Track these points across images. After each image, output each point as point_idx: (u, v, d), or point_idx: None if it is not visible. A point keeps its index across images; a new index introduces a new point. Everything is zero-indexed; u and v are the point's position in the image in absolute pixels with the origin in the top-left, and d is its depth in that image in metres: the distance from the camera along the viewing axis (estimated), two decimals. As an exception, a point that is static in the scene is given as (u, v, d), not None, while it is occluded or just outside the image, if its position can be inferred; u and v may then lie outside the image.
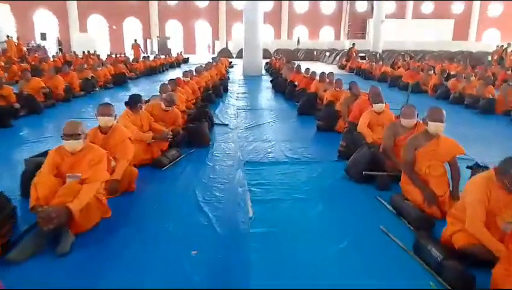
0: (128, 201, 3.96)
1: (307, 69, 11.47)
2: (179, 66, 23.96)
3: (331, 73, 9.72)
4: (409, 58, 24.10)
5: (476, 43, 45.51)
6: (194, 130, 6.03)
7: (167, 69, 20.92)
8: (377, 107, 5.57)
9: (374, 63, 19.27)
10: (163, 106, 5.86)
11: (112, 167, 4.10)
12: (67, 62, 18.04)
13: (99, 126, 4.22)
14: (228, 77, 16.65)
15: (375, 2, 30.72)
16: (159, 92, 6.64)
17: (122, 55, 23.24)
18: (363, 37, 46.24)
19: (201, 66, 12.31)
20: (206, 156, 5.59)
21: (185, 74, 9.46)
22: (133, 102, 5.13)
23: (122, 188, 4.07)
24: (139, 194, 4.14)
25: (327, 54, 30.18)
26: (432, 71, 14.35)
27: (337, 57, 28.56)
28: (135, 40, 27.52)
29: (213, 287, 2.59)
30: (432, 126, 3.79)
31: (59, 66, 16.10)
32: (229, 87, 13.48)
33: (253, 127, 7.49)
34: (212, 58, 17.09)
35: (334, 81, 8.94)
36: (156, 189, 4.30)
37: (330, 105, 8.07)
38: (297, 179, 4.68)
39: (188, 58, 28.97)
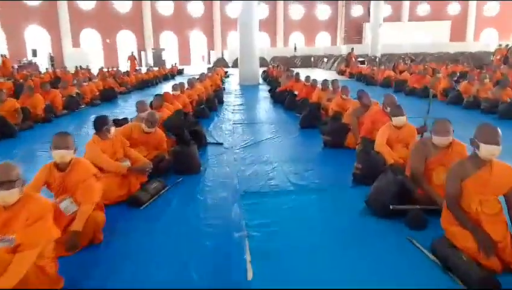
0: (92, 259, 3.04)
1: (307, 77, 10.59)
2: (173, 78, 23.12)
3: (335, 80, 8.84)
4: (409, 61, 23.31)
5: (474, 43, 44.86)
6: (182, 155, 5.12)
7: (161, 82, 20.08)
8: (398, 121, 4.68)
9: (375, 68, 18.44)
10: (144, 127, 4.96)
11: (73, 212, 3.21)
12: (57, 78, 17.21)
13: (54, 162, 3.32)
14: (223, 87, 15.78)
15: (372, 5, 30.00)
16: (136, 111, 5.75)
17: (114, 69, 22.43)
18: (360, 42, 45.55)
19: (193, 77, 11.44)
20: (196, 186, 4.67)
21: (175, 87, 8.59)
22: (97, 126, 4.23)
23: (84, 241, 3.16)
24: (106, 248, 3.22)
25: (325, 59, 29.42)
26: (440, 74, 13.44)
27: (335, 63, 27.78)
28: (132, 53, 26.74)
29: None
30: (485, 150, 2.87)
31: (46, 83, 15.31)
32: (224, 99, 12.62)
33: (251, 146, 6.58)
34: (208, 69, 16.23)
35: (340, 88, 8.06)
36: (130, 239, 3.38)
37: (337, 117, 7.19)
38: (307, 215, 3.77)
39: (182, 69, 28.16)
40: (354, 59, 22.11)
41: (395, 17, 47.53)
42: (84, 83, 12.56)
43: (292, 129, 7.89)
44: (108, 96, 12.95)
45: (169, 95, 7.89)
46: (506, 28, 47.65)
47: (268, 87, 16.07)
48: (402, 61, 22.09)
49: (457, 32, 47.63)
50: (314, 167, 5.30)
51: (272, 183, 4.68)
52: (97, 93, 12.65)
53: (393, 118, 4.70)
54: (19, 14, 33.51)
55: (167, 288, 2.62)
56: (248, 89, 15.91)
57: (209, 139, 6.89)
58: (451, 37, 46.95)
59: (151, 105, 6.76)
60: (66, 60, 32.43)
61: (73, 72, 22.19)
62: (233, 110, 10.55)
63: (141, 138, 5.04)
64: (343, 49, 39.20)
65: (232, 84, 18.83)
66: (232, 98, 13.07)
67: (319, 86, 9.61)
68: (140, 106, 5.76)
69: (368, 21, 46.21)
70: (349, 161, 4.98)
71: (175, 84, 8.70)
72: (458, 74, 13.86)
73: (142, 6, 39.75)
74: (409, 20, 48.38)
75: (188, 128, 6.48)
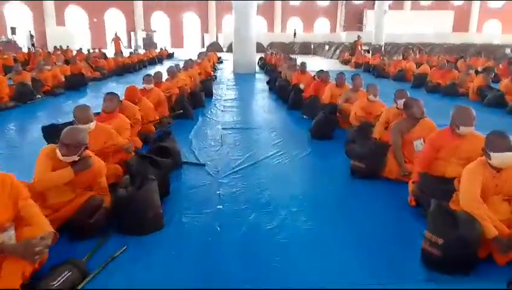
0: None
1: (320, 72, 8.44)
2: (161, 62, 20.79)
3: (357, 76, 6.74)
4: (418, 52, 21.21)
5: (477, 34, 42.82)
6: (131, 203, 3.02)
7: (145, 66, 17.77)
8: (499, 159, 2.66)
9: (386, 58, 16.31)
10: (59, 155, 2.86)
11: None
12: (24, 61, 14.90)
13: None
14: (215, 76, 13.59)
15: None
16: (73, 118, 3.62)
17: (97, 51, 20.07)
18: (360, 29, 43.18)
19: (176, 65, 9.27)
20: (146, 265, 2.60)
21: (146, 78, 6.44)
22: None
23: None
24: None
25: (326, 47, 27.17)
26: (472, 71, 11.32)
27: (337, 51, 25.58)
28: (115, 33, 24.28)
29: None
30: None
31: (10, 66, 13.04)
32: (214, 90, 10.47)
33: (245, 170, 4.47)
34: (199, 54, 13.99)
35: (363, 85, 5.97)
36: None
37: (365, 127, 5.13)
38: None
39: (172, 53, 25.76)
40: (360, 48, 19.92)
41: (397, 6, 45.07)
42: (47, 67, 10.29)
43: (300, 140, 5.79)
44: (76, 84, 10.71)
45: (135, 91, 5.74)
46: (511, 20, 45.66)
47: (266, 77, 13.95)
48: (411, 52, 19.97)
49: (460, 22, 45.49)
50: (344, 223, 3.23)
51: (282, 268, 2.60)
52: (62, 79, 10.40)
53: (492, 155, 2.68)
54: (-2, -12, 30.74)
55: None
56: (243, 79, 13.73)
57: (187, 158, 4.79)
58: (454, 28, 44.82)
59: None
60: (48, 39, 29.80)
61: (51, 52, 19.91)
62: (224, 107, 8.40)
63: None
64: (343, 36, 36.95)
65: (225, 71, 16.60)
66: (224, 90, 10.91)
67: (333, 81, 7.54)
68: (79, 113, 3.62)
69: (369, 8, 44.12)
70: (404, 212, 2.96)
71: (147, 75, 6.54)
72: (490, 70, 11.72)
73: (132, -16, 37.01)
74: (411, 9, 46.11)
75: (154, 144, 4.39)
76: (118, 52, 16.97)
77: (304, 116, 7.29)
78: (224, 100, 9.22)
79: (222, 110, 7.92)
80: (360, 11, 45.48)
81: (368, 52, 21.18)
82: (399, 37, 32.83)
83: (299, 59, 12.97)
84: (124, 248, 2.76)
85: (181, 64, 10.29)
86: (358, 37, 20.78)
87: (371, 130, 5.03)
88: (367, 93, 5.90)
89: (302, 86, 9.21)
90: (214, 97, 9.60)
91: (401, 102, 4.82)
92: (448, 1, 46.92)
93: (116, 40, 22.97)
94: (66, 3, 34.24)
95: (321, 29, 45.46)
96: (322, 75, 8.04)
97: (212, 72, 13.44)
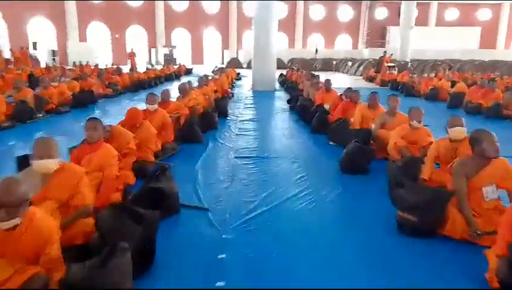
0: None
1: (348, 90, 7.44)
2: (178, 78, 20.15)
3: (393, 97, 5.68)
4: (448, 69, 19.93)
5: (505, 51, 41.06)
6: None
7: (162, 82, 17.10)
8: None
9: (415, 75, 15.16)
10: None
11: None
12: (36, 78, 14.37)
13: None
14: (232, 93, 12.71)
15: (403, 6, 26.59)
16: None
17: (113, 66, 19.57)
18: (383, 46, 42.10)
19: (189, 82, 8.42)
20: None
21: (150, 98, 5.57)
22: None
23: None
24: None
25: (349, 63, 26.10)
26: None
27: (361, 67, 24.49)
28: (131, 49, 23.89)
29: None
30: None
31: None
32: (230, 110, 9.59)
33: (259, 218, 3.46)
34: (214, 70, 13.17)
35: (410, 111, 4.92)
36: None
37: (412, 165, 4.09)
38: None
39: (191, 69, 25.19)
40: (386, 64, 18.80)
41: (422, 21, 43.81)
42: (54, 84, 9.62)
43: (328, 174, 4.77)
44: (84, 101, 9.98)
45: (136, 114, 4.86)
46: (541, 36, 43.80)
47: (286, 95, 13.00)
48: (442, 69, 18.72)
49: (487, 39, 43.80)
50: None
51: None
52: (69, 96, 9.69)
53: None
54: (23, 5, 30.91)
55: None
56: (262, 97, 12.82)
57: (188, 198, 3.83)
58: (481, 44, 43.16)
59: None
60: (70, 55, 29.74)
61: (72, 68, 19.54)
62: (239, 129, 7.44)
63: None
64: (366, 52, 35.91)
65: (244, 88, 15.74)
66: (241, 110, 9.98)
67: (364, 102, 6.52)
68: (37, 147, 2.73)
69: (393, 24, 43.05)
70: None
71: (151, 94, 5.67)
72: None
73: (154, 1, 36.97)
74: (436, 25, 44.76)
75: (145, 185, 3.48)
76: (134, 67, 16.35)
77: (331, 143, 6.28)
78: (240, 121, 8.28)
79: (237, 134, 6.96)
80: (383, 27, 44.43)
81: (394, 68, 20.02)
82: (423, 53, 31.56)
83: (321, 76, 12.01)
84: None
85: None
86: (385, 52, 19.70)
87: (420, 167, 3.98)
88: (409, 118, 4.86)
89: (327, 107, 8.26)
90: (229, 118, 8.68)
91: (453, 131, 3.82)
92: (474, 17, 45.35)
93: (132, 55, 22.53)
94: (89, 19, 34.33)
95: (343, 45, 44.51)
96: (352, 94, 7.01)
97: (229, 90, 12.58)
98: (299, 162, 5.26)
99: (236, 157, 5.44)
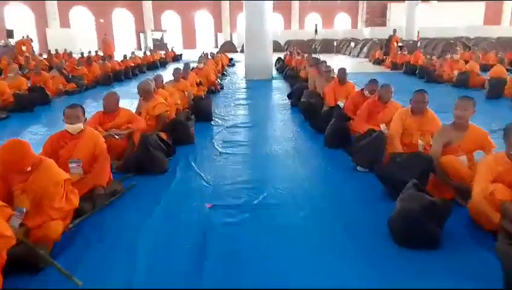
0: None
1: (373, 82, 5.30)
2: (164, 66, 17.82)
3: (466, 100, 3.53)
4: (466, 48, 17.67)
5: (511, 27, 38.52)
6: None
7: (144, 72, 14.82)
8: None
9: (434, 56, 12.93)
10: None
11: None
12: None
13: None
14: (221, 85, 10.48)
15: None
16: None
17: (91, 53, 17.21)
18: (384, 24, 39.56)
19: (157, 76, 6.23)
20: None
21: (69, 112, 3.40)
22: None
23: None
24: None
25: (352, 44, 23.73)
26: None
27: (365, 48, 22.17)
28: (105, 34, 21.45)
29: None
30: None
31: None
32: (216, 109, 7.46)
33: None
34: (200, 57, 10.91)
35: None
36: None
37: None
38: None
39: (180, 54, 22.79)
40: (396, 44, 16.49)
41: (423, -3, 41.17)
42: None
43: (375, 246, 2.67)
44: (33, 102, 7.78)
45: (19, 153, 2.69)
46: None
47: (286, 85, 10.83)
48: (460, 48, 16.43)
49: (492, 15, 41.25)
50: None
51: None
52: (10, 97, 7.48)
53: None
54: (-3, -11, 28.30)
55: None
56: (257, 88, 10.61)
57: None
58: (485, 21, 40.63)
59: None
60: (49, 42, 27.23)
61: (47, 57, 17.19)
62: (224, 144, 5.26)
63: None
64: (367, 32, 33.42)
65: (237, 77, 13.51)
66: (229, 108, 7.80)
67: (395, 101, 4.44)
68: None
69: (392, 1, 40.35)
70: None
71: (69, 108, 3.49)
72: None
73: (140, -18, 34.24)
74: (438, 1, 42.03)
75: None
76: (107, 56, 14.02)
77: (358, 168, 4.15)
78: (228, 128, 6.11)
79: (220, 153, 4.79)
80: (383, 4, 41.73)
81: (401, 49, 17.73)
82: (427, 31, 29.06)
83: (322, 58, 9.86)
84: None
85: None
86: (394, 31, 17.31)
87: None
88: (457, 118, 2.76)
89: (341, 104, 6.15)
90: (213, 122, 6.52)
91: None
92: (478, -9, 42.66)
93: (107, 42, 20.00)
94: (70, 3, 31.64)
95: (342, 25, 41.90)
96: (381, 90, 4.85)
97: (217, 81, 10.36)
98: (315, 217, 3.14)
99: (214, 207, 3.31)
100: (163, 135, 4.96)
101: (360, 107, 5.58)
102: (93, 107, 8.05)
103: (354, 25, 42.32)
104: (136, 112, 5.30)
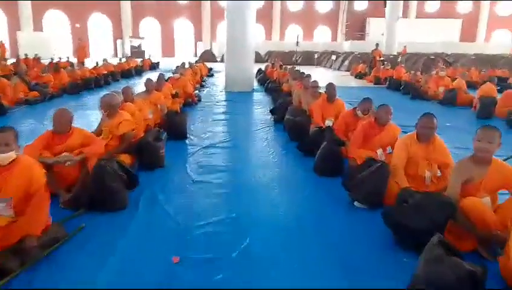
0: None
1: (366, 101, 4.74)
2: (140, 74, 16.96)
3: (490, 130, 2.94)
4: (445, 64, 17.54)
5: (485, 44, 39.29)
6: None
7: (117, 80, 13.95)
8: None
9: (419, 72, 12.59)
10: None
11: None
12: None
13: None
14: (199, 97, 9.76)
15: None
16: None
17: (62, 60, 16.24)
18: (363, 38, 39.81)
19: (124, 89, 5.48)
20: None
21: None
22: None
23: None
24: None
25: (333, 57, 23.43)
26: None
27: (346, 61, 21.89)
28: (79, 39, 20.43)
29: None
30: None
31: None
32: (192, 125, 6.75)
33: None
34: (177, 68, 10.16)
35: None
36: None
37: None
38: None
39: (157, 62, 21.95)
40: (378, 58, 16.17)
41: (403, 13, 41.62)
42: None
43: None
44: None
45: None
46: (521, 30, 42.40)
47: (267, 98, 10.23)
48: (441, 64, 16.29)
49: (468, 31, 42.07)
50: None
51: None
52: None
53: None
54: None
55: None
56: (237, 101, 9.93)
57: None
58: (462, 37, 41.40)
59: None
60: (21, 47, 25.88)
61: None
62: (198, 166, 4.54)
63: None
64: (346, 45, 33.43)
65: (216, 88, 12.81)
66: (207, 124, 7.08)
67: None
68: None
69: (372, 15, 40.65)
70: None
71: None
72: None
73: (119, -13, 33.28)
74: (416, 17, 42.65)
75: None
76: (80, 62, 13.06)
77: (356, 204, 3.50)
78: (204, 148, 5.38)
79: (192, 183, 4.07)
80: (363, 18, 42.05)
81: (383, 63, 17.46)
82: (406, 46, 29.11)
83: (303, 70, 9.32)
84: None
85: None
86: (377, 45, 17.02)
87: None
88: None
89: (330, 122, 5.57)
90: (188, 140, 5.79)
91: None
92: (454, 9, 43.52)
93: (82, 46, 18.95)
94: (45, 6, 30.35)
95: (321, 37, 41.94)
96: (381, 110, 4.25)
97: (194, 93, 9.64)
98: (309, 278, 2.46)
99: (182, 260, 2.59)
100: (127, 158, 4.23)
101: (351, 129, 5.01)
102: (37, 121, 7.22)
103: (334, 37, 42.46)
104: (96, 130, 4.56)
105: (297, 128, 5.78)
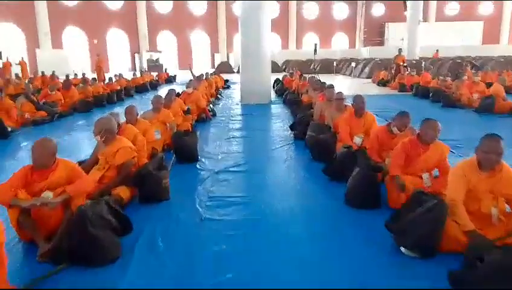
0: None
1: (403, 116, 4.02)
2: (155, 88, 16.54)
3: None
4: (472, 69, 16.51)
5: (509, 46, 37.65)
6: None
7: (131, 96, 13.52)
8: None
9: (448, 78, 11.68)
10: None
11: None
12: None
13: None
14: (213, 112, 9.15)
15: (408, 1, 23.35)
16: None
17: (77, 76, 15.98)
18: (381, 44, 38.81)
19: (131, 107, 4.90)
20: None
21: None
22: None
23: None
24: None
25: (353, 64, 22.61)
26: None
27: (366, 68, 21.04)
28: (97, 55, 20.24)
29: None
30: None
31: None
32: (205, 144, 6.13)
33: None
34: (189, 82, 9.61)
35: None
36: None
37: None
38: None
39: (174, 76, 21.58)
40: (402, 64, 15.29)
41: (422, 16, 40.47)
42: None
43: None
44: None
45: None
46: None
47: (286, 111, 9.55)
48: (467, 68, 15.30)
49: (490, 34, 40.50)
50: None
51: None
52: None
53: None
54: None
55: None
56: (254, 116, 9.28)
57: None
58: (483, 40, 39.87)
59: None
60: (39, 64, 26.00)
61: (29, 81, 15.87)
62: (209, 197, 3.87)
63: None
64: (364, 52, 32.52)
65: (232, 100, 12.22)
66: (221, 143, 6.42)
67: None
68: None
69: (391, 20, 39.65)
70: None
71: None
72: None
73: (136, 2, 33.32)
74: (436, 21, 41.37)
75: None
76: (101, 77, 12.62)
77: (404, 250, 2.74)
78: (216, 173, 4.72)
79: (200, 221, 3.39)
80: (380, 24, 41.08)
81: (407, 69, 16.55)
82: (426, 50, 27.96)
83: (322, 79, 8.61)
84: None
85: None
86: (400, 51, 16.12)
87: None
88: None
89: (359, 141, 4.88)
90: (199, 164, 5.14)
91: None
92: (476, 11, 42.07)
93: (98, 63, 18.71)
94: (62, 23, 30.60)
95: (339, 44, 41.12)
96: (426, 127, 3.51)
97: (208, 108, 9.04)
98: None
99: None
100: (125, 192, 3.62)
101: (386, 148, 4.30)
102: (64, 141, 6.72)
103: (352, 44, 41.59)
104: (91, 158, 3.96)
105: (321, 148, 5.07)
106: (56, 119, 8.80)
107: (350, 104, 5.61)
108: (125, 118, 4.87)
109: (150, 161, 4.00)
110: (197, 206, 3.68)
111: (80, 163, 4.11)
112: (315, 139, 5.24)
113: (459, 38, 37.74)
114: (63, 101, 9.57)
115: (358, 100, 5.06)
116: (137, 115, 5.06)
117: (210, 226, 3.29)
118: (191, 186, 4.25)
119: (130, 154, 3.78)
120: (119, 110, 7.24)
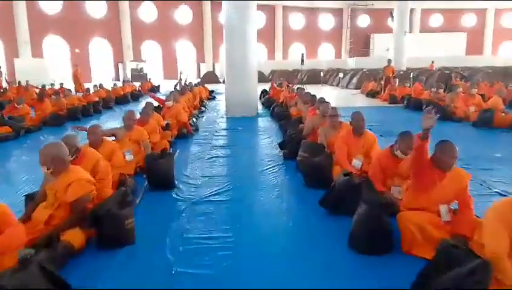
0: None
1: (407, 137, 3.39)
2: (137, 99, 15.72)
3: None
4: (460, 79, 16.19)
5: (493, 57, 37.92)
6: None
7: (111, 108, 12.71)
8: None
9: (441, 90, 11.22)
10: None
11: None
12: None
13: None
14: (195, 126, 8.43)
15: (396, 11, 23.19)
16: None
17: (53, 85, 15.09)
18: (367, 54, 38.72)
19: (95, 127, 4.19)
20: None
21: None
22: None
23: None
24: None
25: (340, 74, 22.18)
26: None
27: (354, 79, 20.62)
28: (76, 66, 19.33)
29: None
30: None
31: None
32: (185, 166, 5.43)
33: None
34: (170, 93, 8.90)
35: None
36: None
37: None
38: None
39: (158, 86, 20.80)
40: (392, 75, 14.84)
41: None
42: None
43: None
44: None
45: None
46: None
47: (274, 125, 8.91)
48: (457, 79, 14.95)
49: (473, 45, 40.82)
50: None
51: None
52: None
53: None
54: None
55: None
56: (239, 129, 8.61)
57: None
58: (467, 51, 40.13)
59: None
60: (17, 73, 24.91)
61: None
62: (183, 239, 3.15)
63: None
64: (351, 62, 32.24)
65: (216, 113, 11.52)
66: (202, 164, 5.71)
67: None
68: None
69: (376, 31, 39.70)
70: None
71: None
72: None
73: (119, 11, 32.53)
74: (420, 32, 41.55)
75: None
76: (79, 89, 11.76)
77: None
78: (194, 204, 4.01)
79: (170, 275, 2.65)
80: (366, 34, 41.11)
81: (394, 79, 16.10)
82: (410, 61, 27.72)
83: (309, 89, 7.99)
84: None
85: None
86: (389, 61, 15.67)
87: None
88: None
89: (358, 163, 4.26)
90: (175, 191, 4.42)
91: None
92: (459, 22, 42.47)
93: (75, 73, 17.76)
94: (43, 32, 29.57)
95: (325, 55, 40.97)
96: (444, 151, 2.94)
97: (191, 121, 8.33)
98: None
99: None
100: (77, 236, 2.89)
101: (390, 175, 3.70)
102: (24, 162, 5.94)
103: (338, 55, 41.49)
104: (38, 193, 3.23)
105: (316, 172, 4.41)
106: (22, 135, 7.97)
107: (343, 120, 5.04)
108: (87, 139, 4.17)
109: (111, 196, 3.26)
110: (168, 254, 2.95)
111: (31, 197, 3.38)
112: (309, 162, 4.57)
113: (443, 49, 37.91)
114: (30, 115, 8.74)
115: (357, 117, 4.44)
116: (102, 135, 4.34)
117: (182, 281, 2.58)
118: (163, 223, 3.53)
119: (85, 188, 3.05)
120: (97, 122, 6.52)
